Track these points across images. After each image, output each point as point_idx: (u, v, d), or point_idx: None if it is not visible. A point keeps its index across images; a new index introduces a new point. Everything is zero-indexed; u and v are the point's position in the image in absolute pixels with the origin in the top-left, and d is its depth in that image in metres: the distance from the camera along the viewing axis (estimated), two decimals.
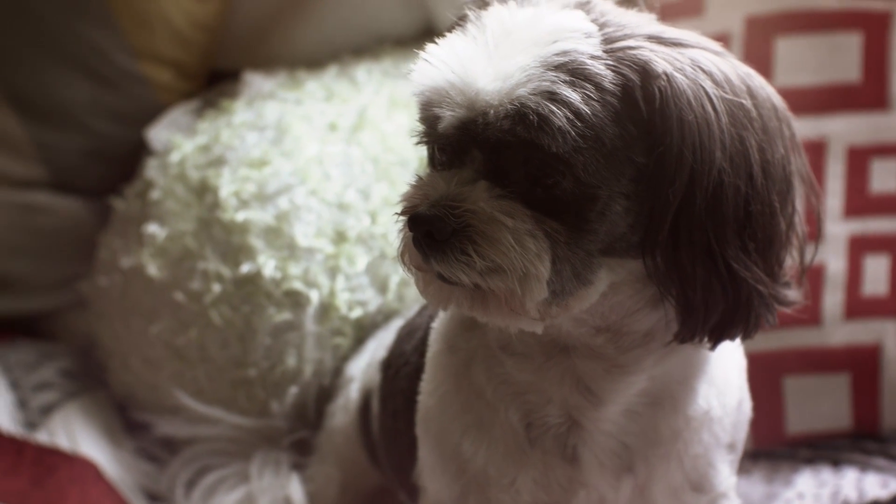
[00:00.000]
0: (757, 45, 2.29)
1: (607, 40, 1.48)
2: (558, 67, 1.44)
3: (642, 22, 1.53)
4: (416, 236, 1.47)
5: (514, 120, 1.43)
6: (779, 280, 1.53)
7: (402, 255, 1.52)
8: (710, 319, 1.50)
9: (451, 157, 1.52)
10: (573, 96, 1.42)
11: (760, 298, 1.50)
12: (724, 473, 1.69)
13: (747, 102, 1.48)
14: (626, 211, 1.47)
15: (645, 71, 1.45)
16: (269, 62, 2.55)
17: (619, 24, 1.50)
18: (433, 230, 1.45)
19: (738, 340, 1.61)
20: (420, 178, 1.53)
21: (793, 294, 1.56)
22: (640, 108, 1.45)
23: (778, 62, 2.28)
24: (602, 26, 1.49)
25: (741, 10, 2.31)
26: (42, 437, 2.27)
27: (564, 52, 1.45)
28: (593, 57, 1.45)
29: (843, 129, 2.27)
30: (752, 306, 1.50)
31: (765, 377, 2.24)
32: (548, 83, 1.43)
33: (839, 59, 2.29)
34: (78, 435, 2.28)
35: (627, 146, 1.45)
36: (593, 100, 1.43)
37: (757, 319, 1.52)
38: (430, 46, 1.51)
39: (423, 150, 1.60)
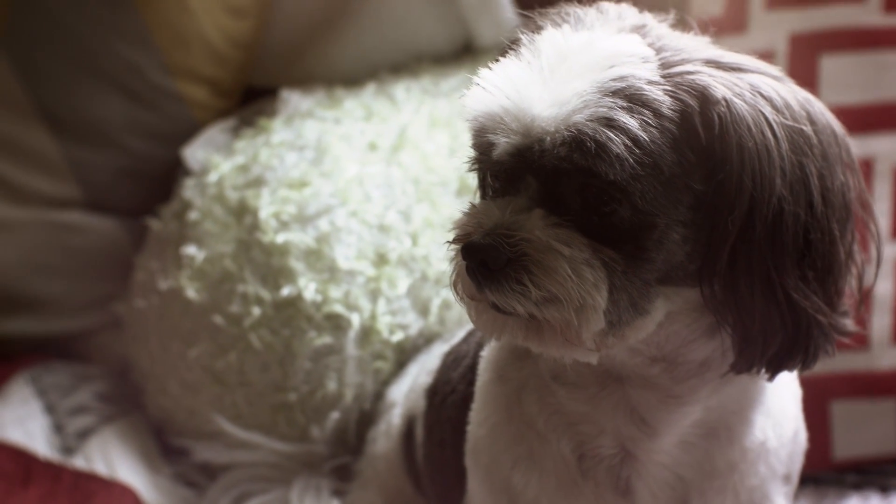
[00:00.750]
0: (801, 63, 2.26)
1: (665, 65, 1.45)
2: (615, 93, 1.41)
3: (699, 46, 1.51)
4: (469, 265, 1.44)
5: (570, 147, 1.40)
6: (837, 309, 1.50)
7: (455, 285, 1.49)
8: (768, 350, 1.48)
9: (504, 183, 1.49)
10: (631, 123, 1.40)
11: (819, 328, 1.48)
12: None
13: (807, 128, 1.46)
14: (683, 239, 1.44)
15: (704, 96, 1.42)
16: (305, 79, 2.53)
17: (676, 48, 1.48)
18: (488, 259, 1.43)
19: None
20: (473, 206, 1.50)
21: (850, 323, 1.53)
22: (698, 135, 1.42)
23: (823, 80, 2.26)
24: (659, 50, 1.47)
25: (785, 28, 2.28)
26: (79, 462, 2.25)
27: (621, 78, 1.42)
28: (651, 82, 1.43)
29: (889, 149, 2.25)
30: (811, 337, 1.48)
31: (812, 402, 2.17)
32: (605, 109, 1.40)
33: (885, 78, 2.26)
34: (115, 460, 2.26)
35: (686, 173, 1.43)
36: (651, 126, 1.41)
37: (816, 350, 1.49)
38: (483, 71, 1.48)
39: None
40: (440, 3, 2.53)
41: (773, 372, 1.50)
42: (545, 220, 1.43)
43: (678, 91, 1.43)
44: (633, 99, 1.41)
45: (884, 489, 2.22)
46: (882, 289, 2.23)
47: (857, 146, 2.18)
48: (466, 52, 2.58)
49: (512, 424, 1.62)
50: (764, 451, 1.62)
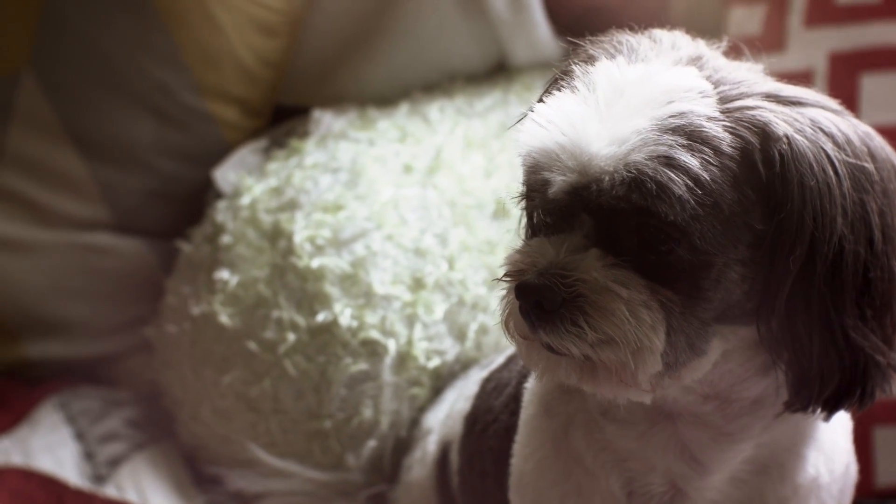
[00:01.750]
0: (841, 82, 2.24)
1: (723, 99, 1.42)
2: (675, 130, 1.38)
3: (757, 78, 1.47)
4: (523, 305, 1.41)
5: (629, 187, 1.37)
6: (895, 346, 1.47)
7: (507, 323, 1.46)
8: (825, 391, 1.45)
9: (557, 220, 1.45)
10: (692, 162, 1.37)
11: (877, 368, 1.45)
12: None
13: (868, 165, 1.43)
14: (741, 278, 1.41)
15: (764, 133, 1.39)
16: (336, 98, 2.50)
17: (734, 81, 1.45)
18: (542, 300, 1.40)
19: None
20: (526, 243, 1.47)
21: None
22: (759, 172, 1.39)
23: (863, 99, 2.23)
24: (717, 84, 1.43)
25: (824, 46, 2.26)
26: (110, 490, 2.22)
27: (681, 114, 1.39)
28: (710, 118, 1.39)
29: None
30: (868, 376, 1.45)
31: (854, 427, 2.17)
32: (665, 147, 1.37)
33: None
34: (147, 489, 2.23)
35: (745, 212, 1.40)
36: (712, 165, 1.38)
37: (873, 389, 1.46)
38: (538, 106, 1.45)
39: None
40: (474, 22, 2.50)
41: (829, 412, 1.47)
42: (602, 261, 1.40)
43: (738, 127, 1.40)
44: (692, 136, 1.38)
45: None
46: None
47: None
48: (500, 71, 2.55)
49: (559, 460, 1.59)
50: (816, 486, 1.59)
